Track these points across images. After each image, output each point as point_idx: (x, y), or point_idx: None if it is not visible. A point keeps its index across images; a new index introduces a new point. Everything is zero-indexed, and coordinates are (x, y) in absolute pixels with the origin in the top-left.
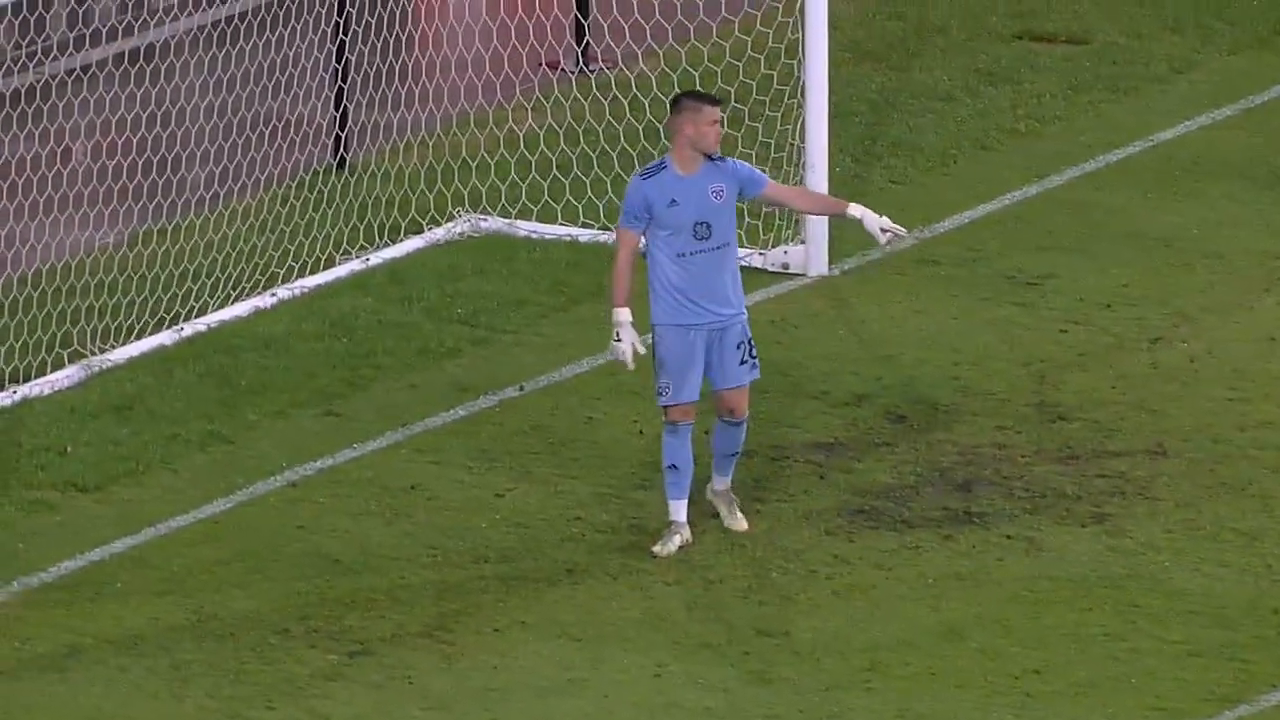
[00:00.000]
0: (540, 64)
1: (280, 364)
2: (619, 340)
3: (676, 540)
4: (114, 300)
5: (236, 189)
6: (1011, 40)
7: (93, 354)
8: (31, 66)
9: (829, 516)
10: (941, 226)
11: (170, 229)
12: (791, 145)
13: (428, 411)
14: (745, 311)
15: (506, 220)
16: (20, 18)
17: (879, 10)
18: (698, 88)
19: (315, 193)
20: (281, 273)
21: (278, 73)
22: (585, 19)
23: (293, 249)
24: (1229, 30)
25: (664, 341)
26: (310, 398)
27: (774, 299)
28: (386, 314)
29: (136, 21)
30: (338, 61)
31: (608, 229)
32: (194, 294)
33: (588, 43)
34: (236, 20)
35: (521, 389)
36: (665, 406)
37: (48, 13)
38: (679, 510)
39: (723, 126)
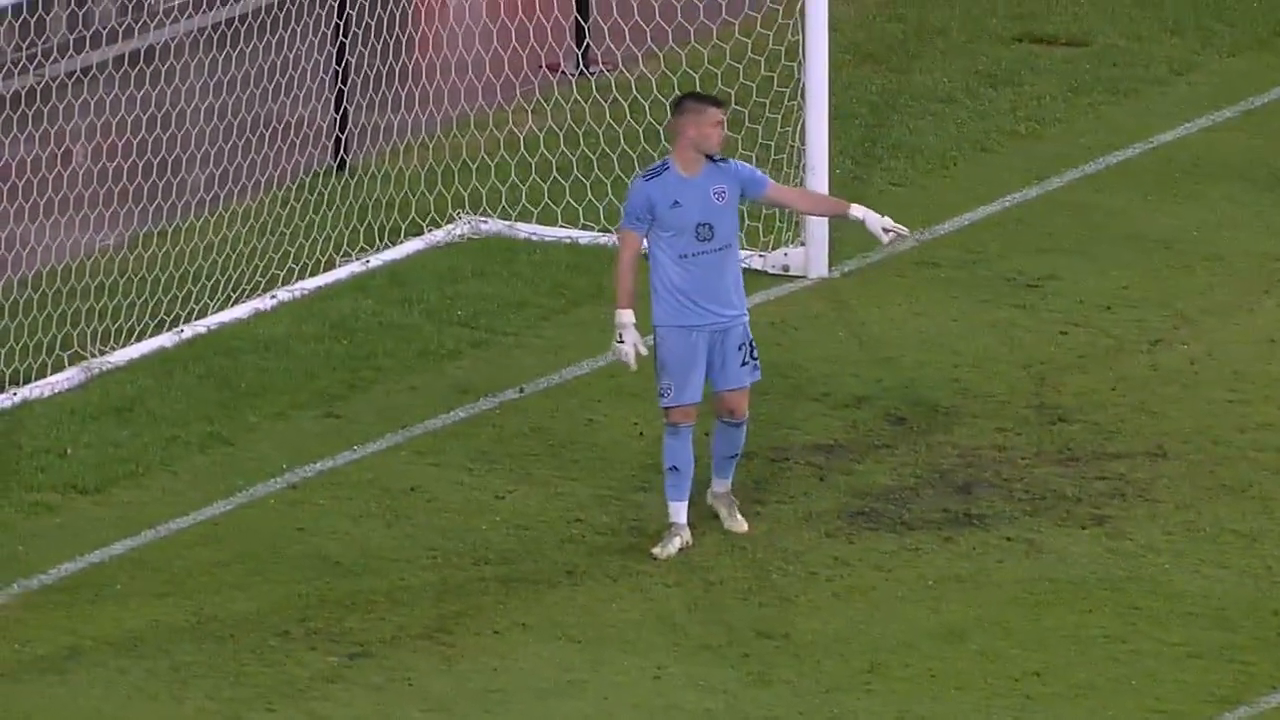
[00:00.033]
0: (540, 66)
1: (280, 366)
2: (621, 341)
3: (676, 542)
4: (114, 302)
5: (237, 191)
6: (1011, 42)
7: (93, 356)
8: (32, 69)
9: (829, 518)
10: (941, 228)
11: (170, 231)
12: (792, 147)
13: (428, 413)
14: (747, 313)
15: (507, 222)
16: (20, 20)
17: (879, 12)
18: (698, 89)
19: (315, 195)
20: (282, 275)
21: (278, 75)
22: (585, 21)
23: (293, 251)
24: (1229, 32)
25: (666, 343)
26: (310, 400)
27: (774, 301)
28: (387, 316)
29: (137, 24)
30: (338, 64)
31: (608, 231)
32: (194, 296)
33: (588, 45)
34: (237, 22)
35: (521, 391)
36: (667, 408)
37: (48, 15)
38: (679, 512)
39: (724, 128)
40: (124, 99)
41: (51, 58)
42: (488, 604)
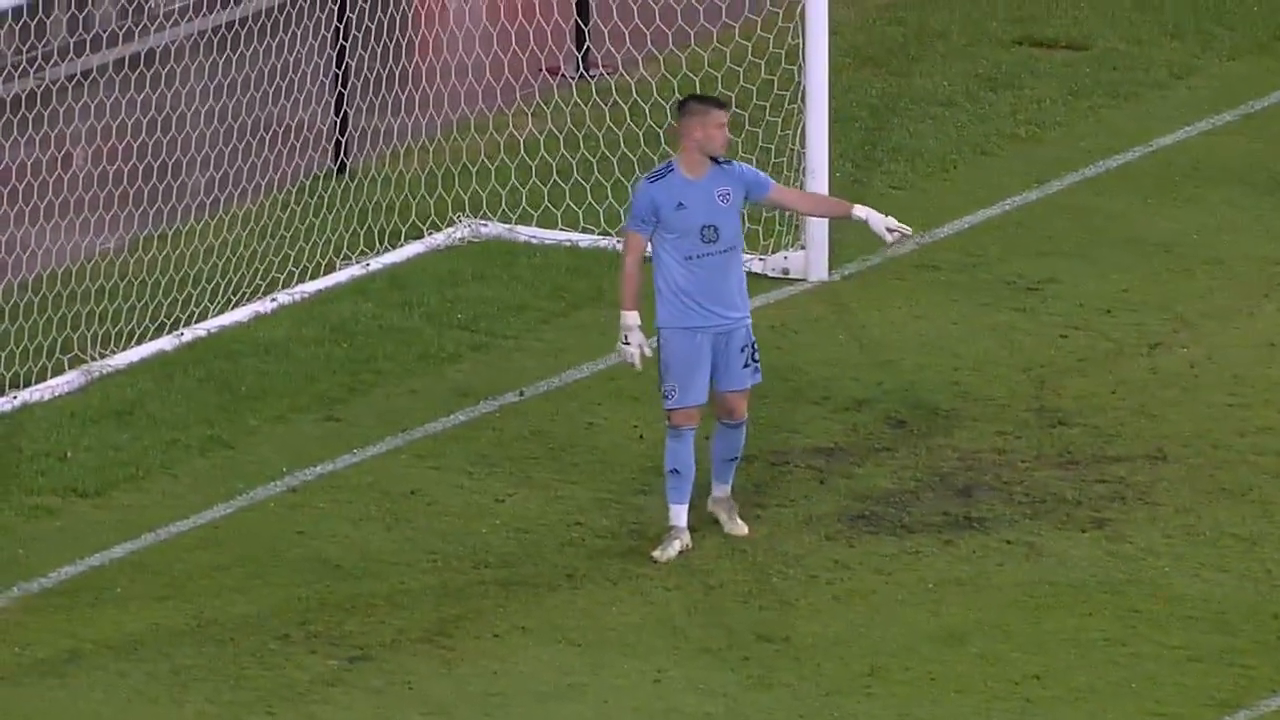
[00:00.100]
0: (540, 69)
1: (280, 369)
2: (627, 343)
3: (676, 545)
4: (114, 305)
5: (237, 194)
6: (1012, 46)
7: (93, 359)
8: (32, 72)
9: (829, 521)
10: (941, 232)
11: (170, 234)
12: (792, 150)
13: (428, 417)
14: (750, 315)
15: (507, 225)
16: (21, 23)
17: (879, 16)
18: (700, 92)
19: (315, 198)
20: (282, 278)
21: (278, 78)
22: (585, 24)
23: (293, 254)
24: (1229, 36)
25: (670, 344)
26: (310, 403)
27: (774, 304)
28: (387, 319)
29: (137, 27)
30: (338, 67)
31: (608, 234)
32: (194, 299)
33: (588, 48)
34: (237, 25)
35: (521, 394)
36: (670, 410)
37: (48, 18)
38: (679, 515)
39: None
40: (124, 102)
41: (52, 61)
42: (487, 607)
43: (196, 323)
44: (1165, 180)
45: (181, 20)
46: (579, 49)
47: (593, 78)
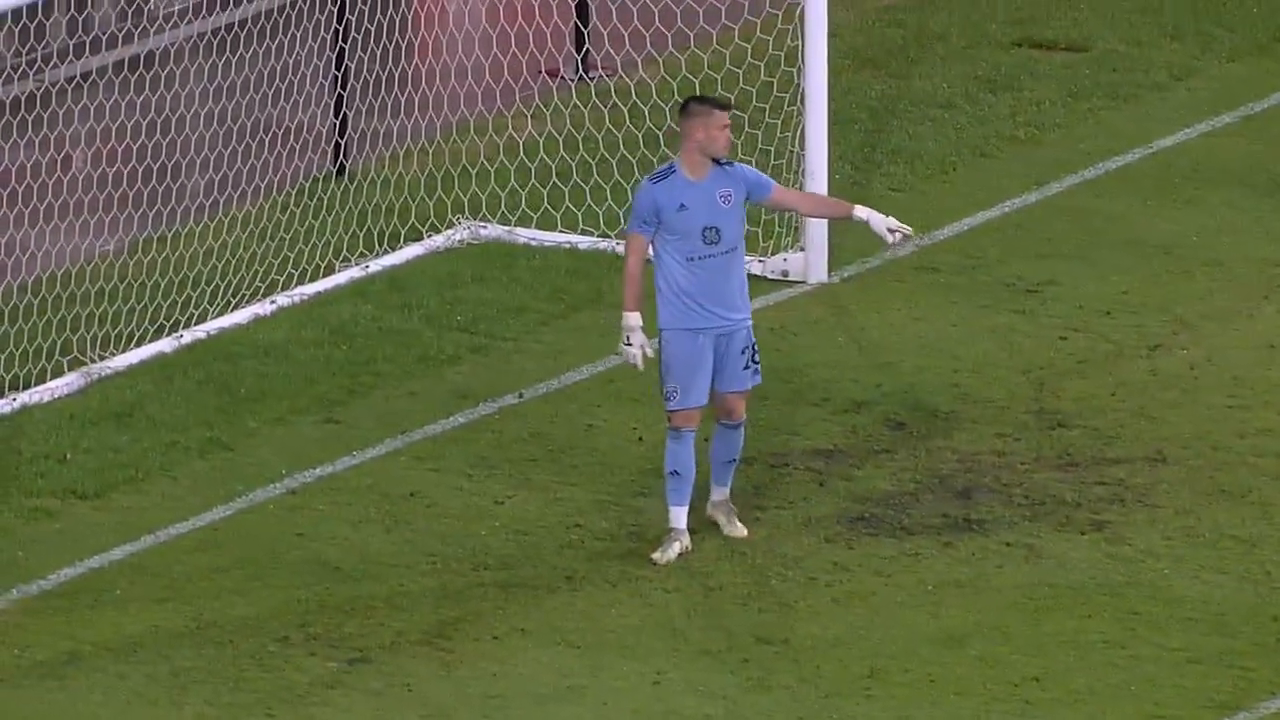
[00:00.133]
0: (540, 71)
1: (280, 371)
2: (629, 344)
3: (676, 547)
4: (114, 307)
5: (236, 196)
6: (1011, 48)
7: (92, 361)
8: (31, 74)
9: (828, 524)
10: (941, 234)
11: (170, 236)
12: (791, 152)
13: (427, 419)
14: (751, 317)
15: (506, 227)
16: (20, 25)
17: (879, 18)
18: (701, 93)
19: (315, 200)
20: (281, 280)
21: (277, 80)
22: (585, 26)
23: (292, 256)
24: (1228, 37)
25: (671, 346)
26: (310, 405)
27: (773, 306)
28: (386, 321)
29: (136, 29)
30: (337, 68)
31: (607, 236)
32: (194, 301)
33: (587, 50)
34: (236, 28)
35: (521, 396)
36: (671, 412)
37: (48, 20)
38: (679, 517)
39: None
40: (124, 104)
41: (52, 63)
42: (487, 609)
43: (196, 325)
44: (1165, 182)
45: (181, 22)
46: (578, 51)
47: (592, 80)
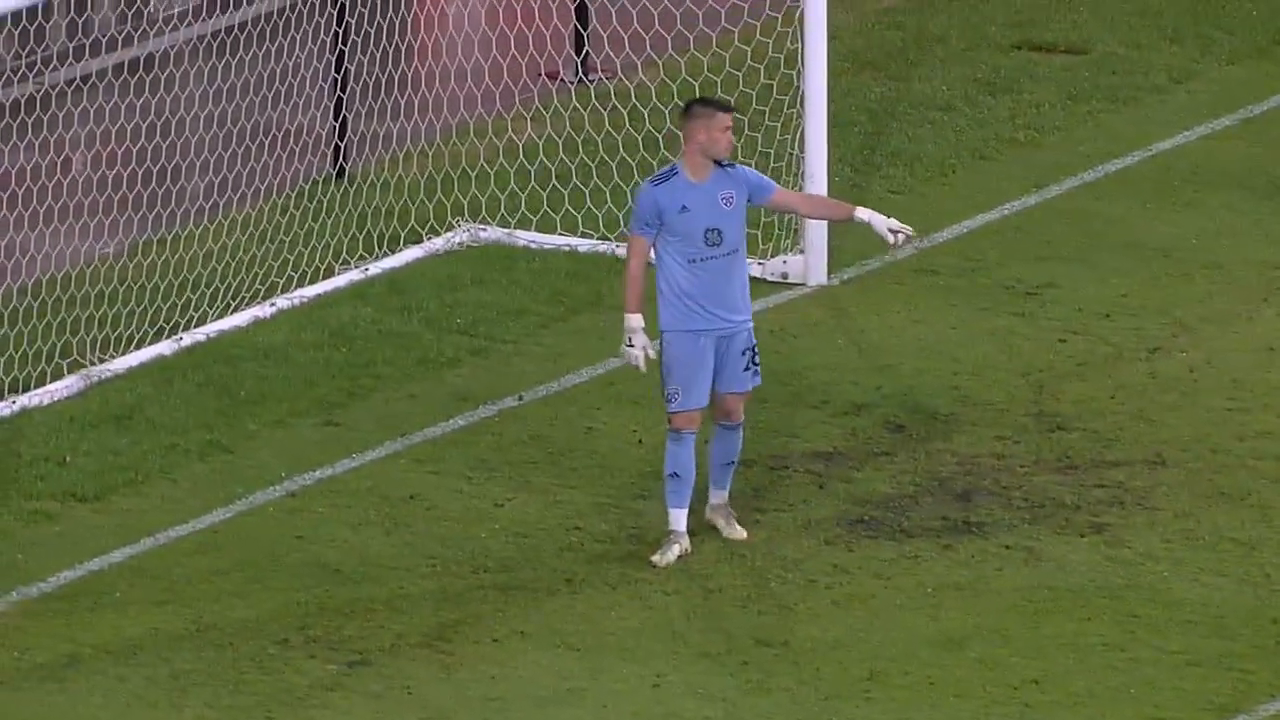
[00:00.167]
0: (540, 74)
1: (279, 374)
2: (631, 345)
3: (675, 550)
4: (113, 310)
5: (236, 199)
6: (1010, 50)
7: (92, 364)
8: (31, 77)
9: (828, 526)
10: (940, 236)
11: (170, 239)
12: (791, 155)
13: (427, 421)
14: (752, 319)
15: (506, 230)
16: (20, 28)
17: (878, 20)
18: (702, 95)
19: (314, 202)
20: (281, 282)
21: (277, 83)
22: (585, 29)
23: (292, 259)
24: (1228, 40)
25: (672, 347)
26: (309, 407)
27: (773, 309)
28: (386, 324)
29: (136, 32)
30: (337, 71)
31: (607, 239)
32: (193, 304)
33: (587, 53)
34: (236, 30)
35: (520, 399)
36: (672, 413)
37: (47, 23)
38: (679, 519)
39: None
40: (123, 107)
41: (51, 66)
42: (487, 612)
43: (196, 327)
44: (1164, 185)
45: (181, 25)
46: (578, 54)
47: (592, 83)
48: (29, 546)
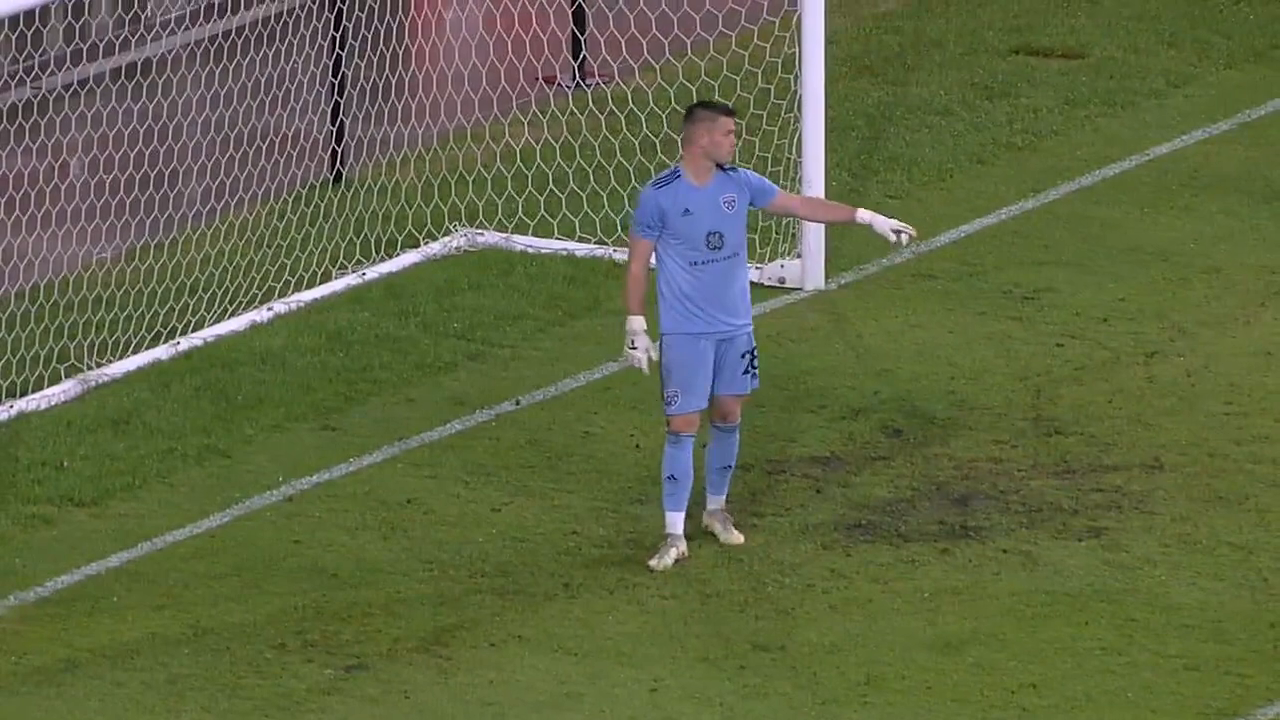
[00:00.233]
0: (537, 78)
1: (277, 378)
2: (634, 348)
3: (672, 554)
4: (111, 315)
5: (233, 204)
6: (1008, 55)
7: (89, 368)
8: (29, 81)
9: (826, 530)
10: (938, 241)
11: (167, 244)
12: (788, 160)
13: (424, 426)
14: (752, 322)
15: (503, 235)
16: (17, 33)
17: (876, 25)
18: (703, 100)
19: (312, 207)
20: (278, 287)
21: (275, 87)
22: (582, 34)
23: (289, 263)
24: (1225, 44)
25: (673, 350)
26: (307, 412)
27: (770, 313)
28: (383, 328)
29: (133, 36)
30: (334, 76)
31: (604, 243)
32: (191, 308)
33: (584, 57)
34: (234, 35)
35: (518, 403)
36: (671, 416)
37: (45, 27)
38: (676, 523)
39: (741, 136)
40: (121, 112)
41: (49, 70)
42: (484, 616)
43: (193, 332)
44: (1162, 189)
45: (178, 29)
46: (575, 58)
47: (589, 87)
48: (26, 551)
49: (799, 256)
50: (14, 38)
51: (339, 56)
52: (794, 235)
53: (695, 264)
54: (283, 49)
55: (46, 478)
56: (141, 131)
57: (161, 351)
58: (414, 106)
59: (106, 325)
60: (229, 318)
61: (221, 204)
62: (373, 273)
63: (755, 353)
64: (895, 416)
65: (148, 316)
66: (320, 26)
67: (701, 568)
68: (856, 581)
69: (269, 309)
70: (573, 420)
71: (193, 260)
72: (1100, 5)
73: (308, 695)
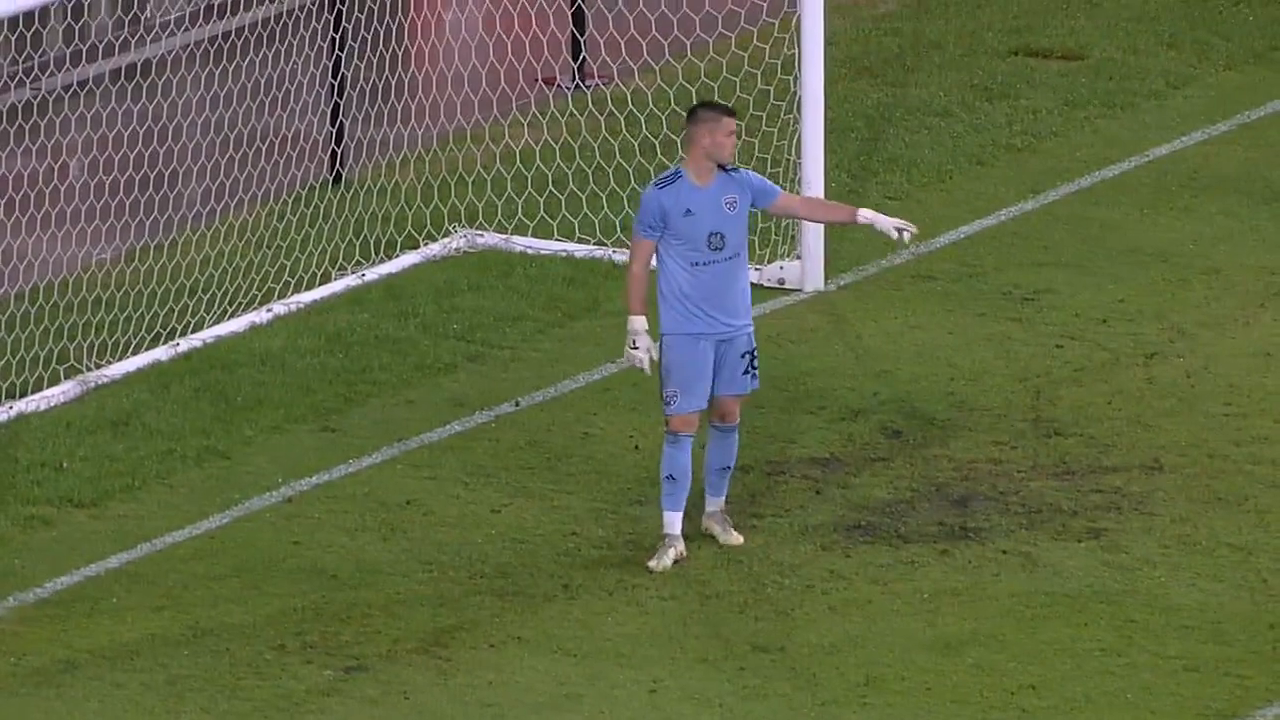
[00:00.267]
0: (537, 80)
1: (276, 379)
2: (635, 348)
3: (671, 554)
4: (110, 316)
5: (233, 205)
6: (1008, 56)
7: (89, 369)
8: (28, 82)
9: (825, 531)
10: (938, 242)
11: (166, 244)
12: (788, 161)
13: (424, 427)
14: (752, 323)
15: (503, 236)
16: (17, 34)
17: (875, 26)
18: (703, 100)
19: (311, 208)
20: (278, 288)
21: (274, 88)
22: (582, 35)
23: (289, 264)
24: (1225, 46)
25: (673, 350)
26: (306, 413)
27: (770, 314)
28: (383, 329)
29: (133, 37)
30: (334, 77)
31: (604, 245)
32: (190, 310)
33: (584, 59)
34: (233, 36)
35: (517, 404)
36: (670, 416)
37: (44, 28)
38: (673, 523)
39: (740, 137)
40: (120, 113)
41: (48, 71)
42: (484, 618)
43: (192, 333)
44: (1161, 190)
45: (178, 31)
46: (575, 59)
47: (589, 88)
48: (25, 552)
49: (798, 258)
50: (14, 39)
51: (339, 58)
52: (793, 237)
53: (696, 264)
54: (282, 50)
55: (46, 479)
56: (141, 133)
57: (161, 353)
58: (414, 108)
59: (106, 326)
60: (228, 319)
61: (221, 205)
62: (372, 274)
63: (755, 353)
64: (895, 418)
65: (147, 318)
66: (320, 28)
67: (701, 569)
68: (856, 583)
69: (268, 310)
70: (572, 421)
71: (192, 261)
72: (1100, 6)
73: (307, 696)
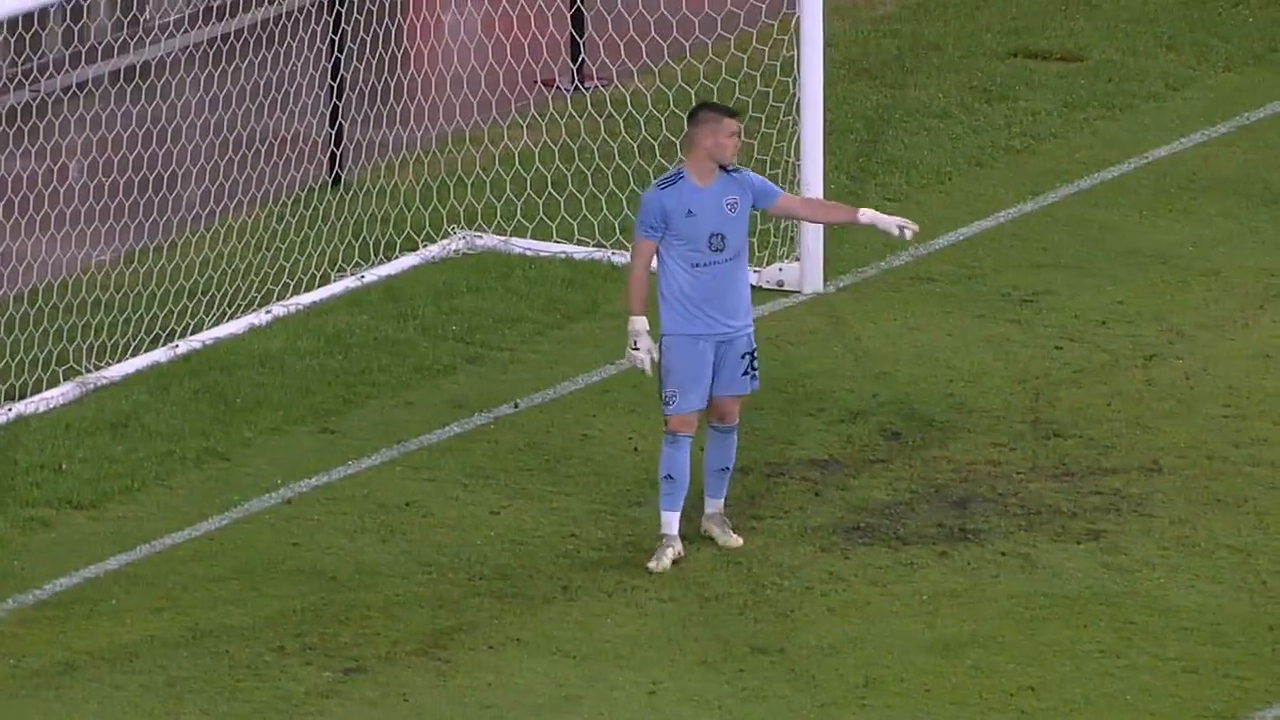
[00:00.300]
0: (536, 81)
1: (276, 381)
2: (636, 348)
3: (669, 554)
4: (109, 318)
5: (232, 206)
6: (1007, 58)
7: (88, 371)
8: (27, 84)
9: (824, 533)
10: (937, 243)
11: (165, 246)
12: (787, 162)
13: (423, 428)
14: (752, 324)
15: (502, 237)
16: (15, 35)
17: (874, 28)
18: (705, 102)
19: (310, 210)
20: (277, 290)
21: (273, 90)
22: (580, 36)
23: (288, 266)
24: (1224, 47)
25: (672, 351)
26: (305, 415)
27: (769, 316)
28: (382, 331)
29: (132, 39)
30: (333, 78)
31: (603, 246)
32: (189, 311)
33: (583, 60)
34: (231, 38)
35: (516, 406)
36: (669, 416)
37: (43, 30)
38: (671, 523)
39: (740, 138)
40: (119, 114)
41: (47, 73)
42: (483, 619)
43: (191, 335)
44: (1160, 192)
45: (177, 33)
46: (574, 61)
47: (587, 90)
48: (25, 554)
49: (798, 259)
50: (13, 40)
51: (338, 59)
52: (792, 238)
53: (697, 265)
54: (282, 52)
55: (45, 480)
56: (140, 134)
57: (160, 354)
58: (413, 109)
59: (105, 328)
60: (228, 320)
61: (220, 207)
62: (371, 275)
63: (755, 354)
64: (894, 419)
65: (146, 319)
66: (319, 29)
67: (700, 570)
68: (855, 584)
69: (268, 312)
70: (571, 423)
71: (192, 263)
72: (1099, 8)
73: (306, 698)
